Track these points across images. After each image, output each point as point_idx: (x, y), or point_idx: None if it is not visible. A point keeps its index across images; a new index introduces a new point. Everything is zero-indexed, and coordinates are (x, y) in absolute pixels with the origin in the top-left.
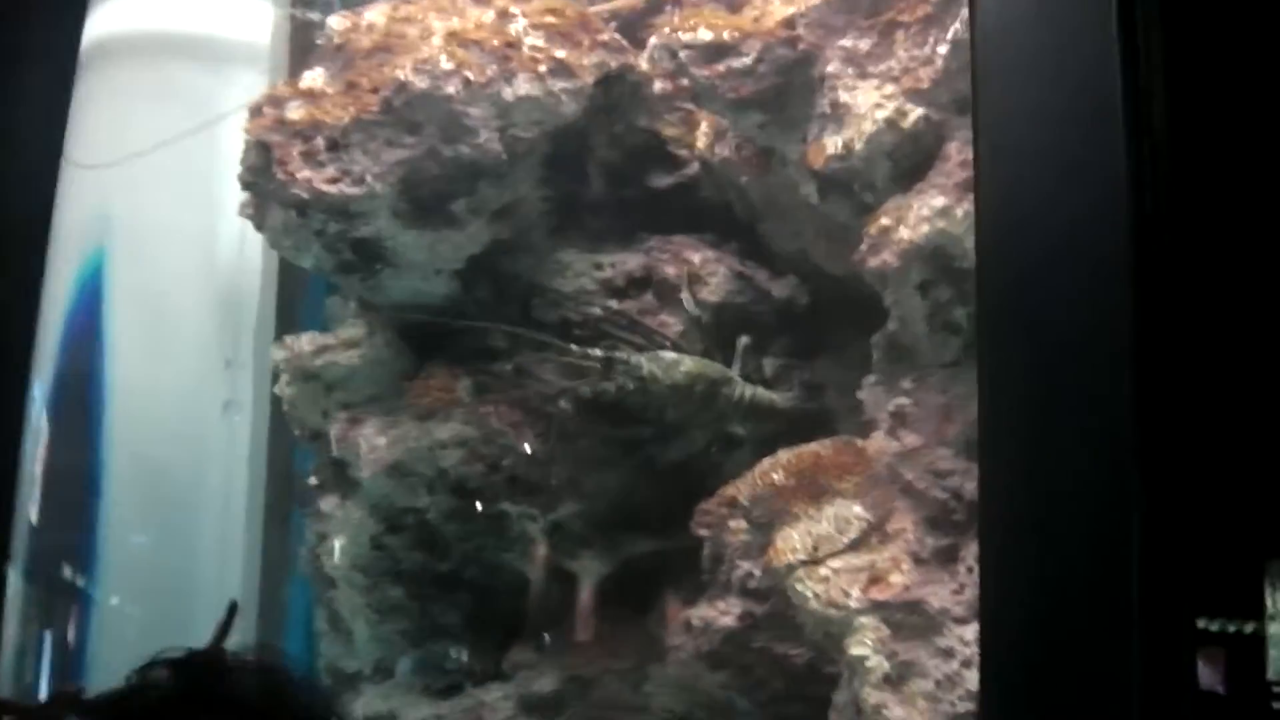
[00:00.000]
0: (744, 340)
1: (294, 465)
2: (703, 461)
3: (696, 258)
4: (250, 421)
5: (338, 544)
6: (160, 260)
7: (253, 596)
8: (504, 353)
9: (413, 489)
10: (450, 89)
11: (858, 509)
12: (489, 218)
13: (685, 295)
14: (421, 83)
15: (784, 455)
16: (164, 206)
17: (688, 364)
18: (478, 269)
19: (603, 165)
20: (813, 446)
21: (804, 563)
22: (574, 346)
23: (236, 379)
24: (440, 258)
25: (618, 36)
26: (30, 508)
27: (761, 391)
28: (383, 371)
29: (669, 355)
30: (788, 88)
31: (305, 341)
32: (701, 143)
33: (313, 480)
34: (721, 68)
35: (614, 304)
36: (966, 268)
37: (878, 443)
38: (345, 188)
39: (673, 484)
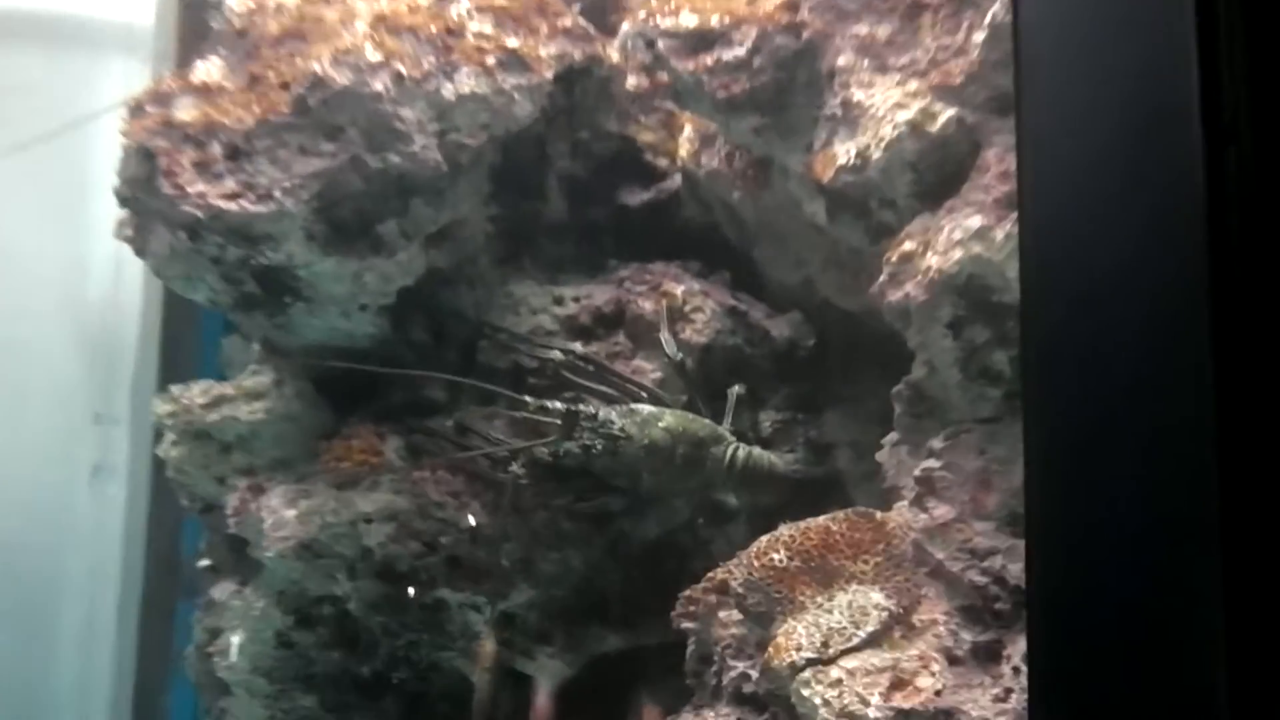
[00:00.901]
0: (737, 390)
1: (180, 544)
2: (687, 538)
3: (678, 290)
4: (125, 490)
5: (235, 641)
6: (12, 292)
7: (125, 707)
8: (443, 406)
9: (329, 573)
10: (378, 85)
11: (877, 596)
12: (425, 242)
13: (665, 335)
14: (343, 77)
15: (786, 531)
16: (17, 226)
17: (668, 419)
18: (411, 304)
19: (564, 178)
20: (821, 520)
21: (812, 662)
22: (529, 398)
23: (108, 438)
24: (365, 290)
25: (583, 22)
26: None
27: (758, 452)
28: (293, 429)
29: (645, 409)
30: (789, 84)
31: (196, 392)
32: (684, 151)
33: (204, 562)
34: (709, 60)
35: (578, 346)
36: (1008, 302)
37: (901, 515)
38: (248, 205)
39: (650, 566)
